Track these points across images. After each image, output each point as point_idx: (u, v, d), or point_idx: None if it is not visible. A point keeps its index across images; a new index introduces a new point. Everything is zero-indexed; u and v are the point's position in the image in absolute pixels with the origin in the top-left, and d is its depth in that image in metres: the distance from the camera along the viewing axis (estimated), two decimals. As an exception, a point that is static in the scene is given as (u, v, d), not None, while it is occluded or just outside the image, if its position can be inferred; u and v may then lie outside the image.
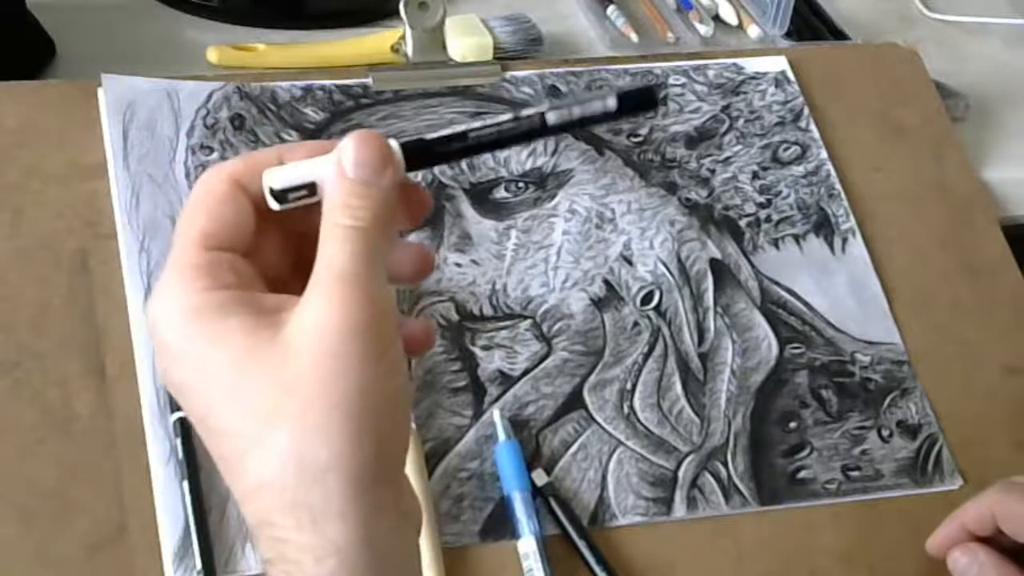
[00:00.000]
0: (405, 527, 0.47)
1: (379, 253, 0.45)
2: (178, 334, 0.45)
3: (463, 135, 0.48)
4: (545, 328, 0.80)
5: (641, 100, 0.49)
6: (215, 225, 0.46)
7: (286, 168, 0.47)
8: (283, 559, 0.44)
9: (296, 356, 0.44)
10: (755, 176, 0.89)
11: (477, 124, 0.48)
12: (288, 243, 0.49)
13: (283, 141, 0.83)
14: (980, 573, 0.68)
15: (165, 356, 0.46)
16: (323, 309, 0.44)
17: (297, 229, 0.49)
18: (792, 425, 0.79)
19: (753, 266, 0.85)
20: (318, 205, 0.47)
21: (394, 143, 0.47)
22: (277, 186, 0.47)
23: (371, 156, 0.46)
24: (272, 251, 0.49)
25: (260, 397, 0.44)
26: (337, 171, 0.46)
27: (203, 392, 0.45)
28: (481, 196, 0.84)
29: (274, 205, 0.47)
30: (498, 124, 0.48)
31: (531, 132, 0.49)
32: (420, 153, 0.48)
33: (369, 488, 0.44)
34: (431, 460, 0.73)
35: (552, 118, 0.48)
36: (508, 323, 0.79)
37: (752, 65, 0.95)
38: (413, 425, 0.73)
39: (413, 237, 0.81)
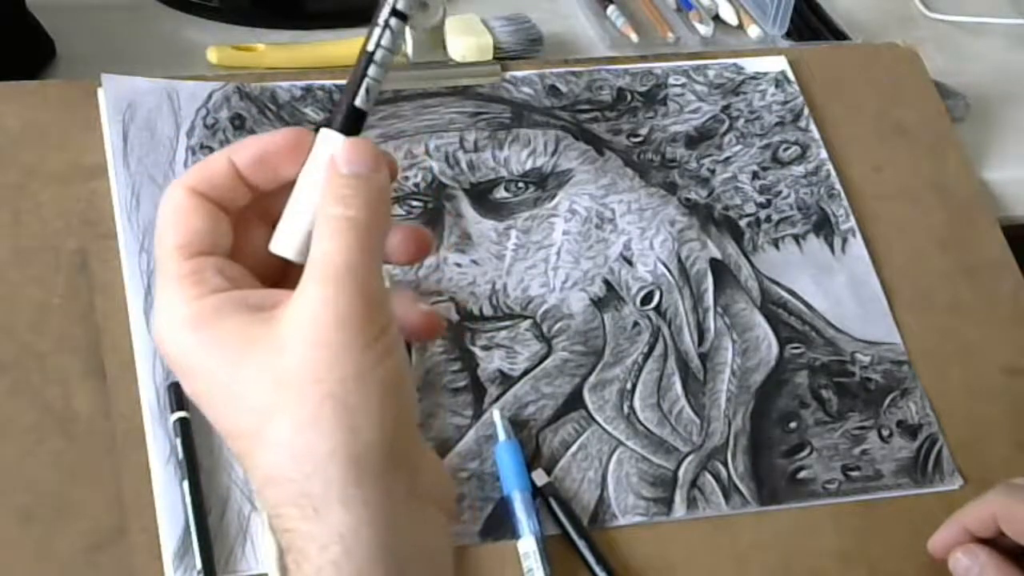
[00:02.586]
0: (424, 512, 0.47)
1: (372, 243, 0.46)
2: (179, 347, 0.46)
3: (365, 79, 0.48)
4: (545, 328, 0.80)
5: None
6: (187, 235, 0.47)
7: (286, 230, 0.48)
8: (291, 548, 0.45)
9: (289, 349, 0.44)
10: (755, 176, 0.89)
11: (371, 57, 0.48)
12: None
13: (283, 141, 0.83)
14: (981, 574, 0.68)
15: (176, 371, 0.47)
16: (316, 302, 0.44)
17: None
18: (792, 425, 0.79)
19: (753, 266, 0.85)
20: None
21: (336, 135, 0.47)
22: (297, 258, 0.47)
23: (364, 154, 0.47)
24: (260, 247, 0.49)
25: (257, 393, 0.44)
26: (330, 168, 0.47)
27: (210, 398, 0.46)
28: (481, 196, 0.84)
29: (299, 260, 0.47)
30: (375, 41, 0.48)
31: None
32: (358, 115, 0.48)
33: (373, 474, 0.44)
34: (431, 460, 0.73)
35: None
36: (508, 323, 0.79)
37: (752, 65, 0.95)
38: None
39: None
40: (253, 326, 0.45)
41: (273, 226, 0.49)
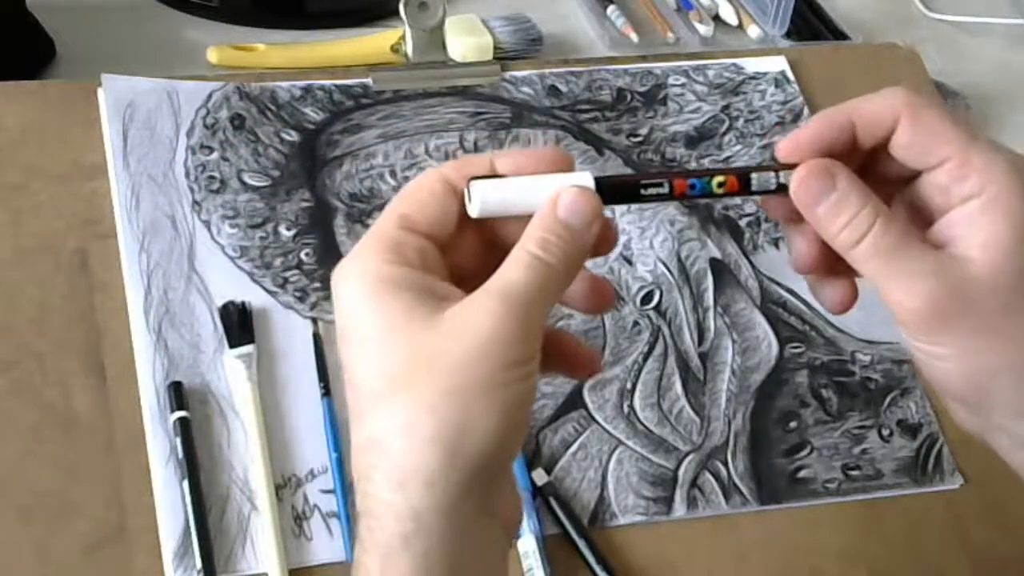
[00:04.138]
0: (491, 527, 0.49)
1: (553, 288, 0.49)
2: (351, 291, 0.49)
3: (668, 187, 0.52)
4: (545, 328, 0.80)
5: None
6: (415, 212, 0.51)
7: (497, 186, 0.50)
8: (369, 513, 0.48)
9: (441, 336, 0.48)
10: (755, 176, 0.89)
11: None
12: (484, 248, 0.53)
13: (283, 141, 0.83)
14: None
15: (337, 305, 0.50)
16: (484, 311, 0.48)
17: (496, 238, 0.52)
18: (792, 424, 0.79)
19: (753, 265, 0.85)
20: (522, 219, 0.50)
21: (589, 178, 0.50)
22: (476, 213, 0.50)
23: (584, 209, 0.50)
24: (468, 252, 0.52)
25: (396, 364, 0.48)
26: (549, 205, 0.50)
27: (353, 346, 0.49)
28: (481, 196, 0.84)
29: (472, 213, 0.50)
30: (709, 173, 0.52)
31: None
32: (619, 191, 0.51)
33: (463, 472, 0.47)
34: (431, 460, 0.73)
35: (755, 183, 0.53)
36: (508, 323, 0.79)
37: (752, 65, 0.95)
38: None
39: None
40: (420, 306, 0.48)
41: (490, 243, 0.52)
